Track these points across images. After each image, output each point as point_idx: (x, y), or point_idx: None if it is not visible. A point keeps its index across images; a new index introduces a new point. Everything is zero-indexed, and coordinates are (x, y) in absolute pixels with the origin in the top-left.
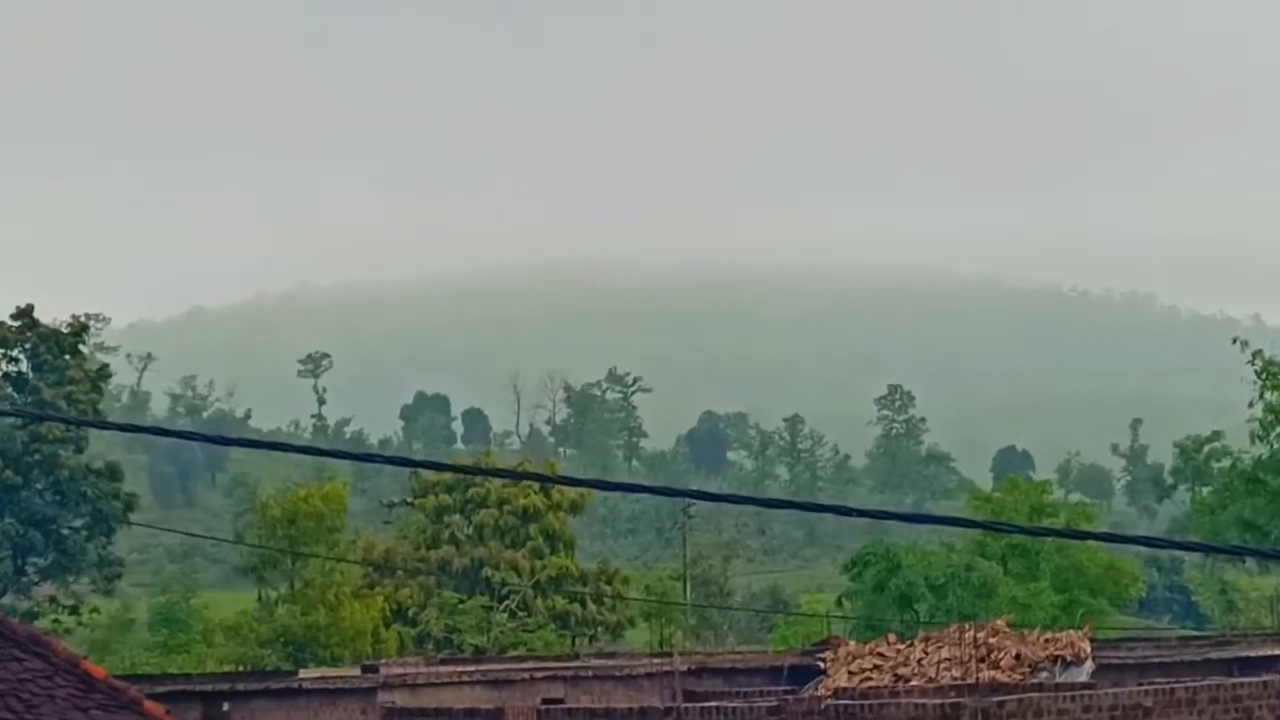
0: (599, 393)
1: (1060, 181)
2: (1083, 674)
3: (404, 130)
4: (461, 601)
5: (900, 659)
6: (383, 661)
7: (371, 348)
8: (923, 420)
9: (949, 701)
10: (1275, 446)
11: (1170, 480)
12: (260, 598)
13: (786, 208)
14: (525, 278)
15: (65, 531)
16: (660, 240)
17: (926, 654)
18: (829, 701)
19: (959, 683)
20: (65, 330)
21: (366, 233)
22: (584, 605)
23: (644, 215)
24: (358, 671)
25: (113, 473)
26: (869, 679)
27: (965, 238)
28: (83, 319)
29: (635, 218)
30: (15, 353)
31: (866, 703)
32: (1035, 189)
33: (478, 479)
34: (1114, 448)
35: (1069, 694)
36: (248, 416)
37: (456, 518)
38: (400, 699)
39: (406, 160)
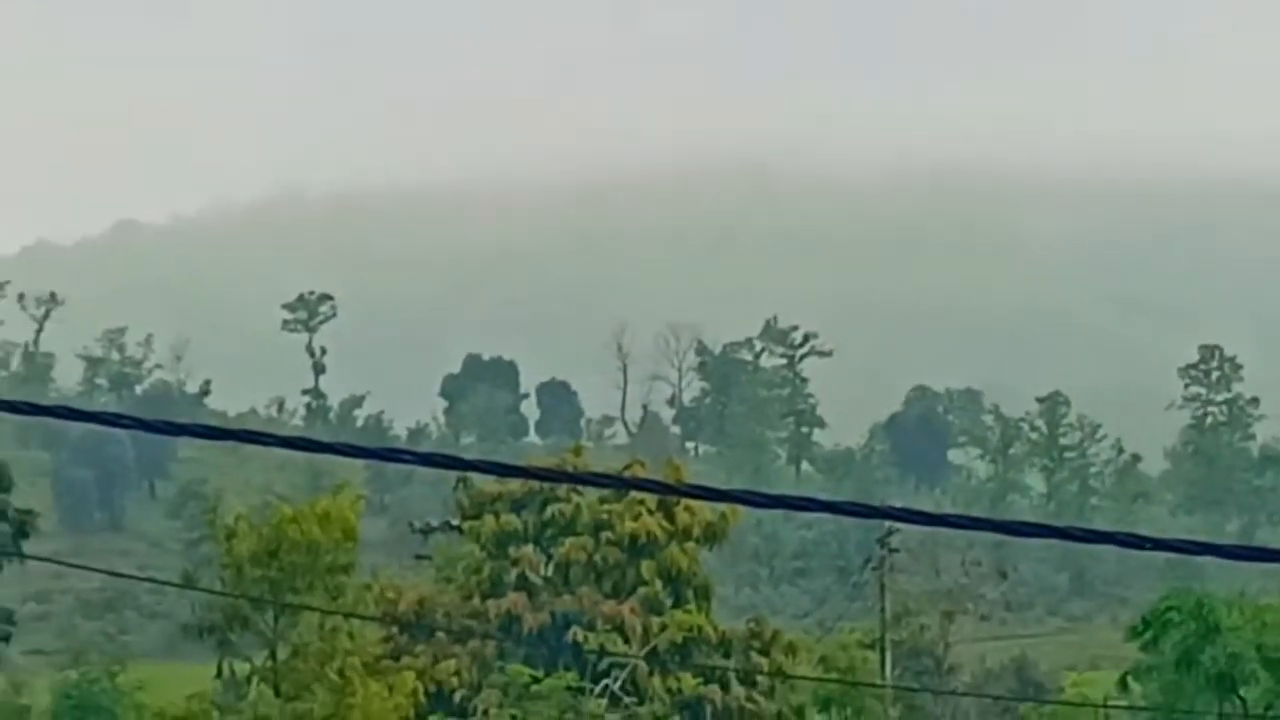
0: (750, 357)
1: None
2: None
3: None
4: (536, 680)
5: None
6: None
7: (396, 286)
8: (1254, 401)
9: None
10: None
11: None
12: (222, 672)
13: (1048, 88)
14: (639, 183)
15: None
16: (853, 129)
17: None
18: None
19: None
20: None
21: (394, 109)
22: (726, 687)
23: (830, 93)
24: None
25: None
26: None
27: None
28: None
29: (817, 96)
30: None
31: None
32: None
33: (561, 490)
34: None
35: None
36: (205, 392)
37: (529, 550)
38: None
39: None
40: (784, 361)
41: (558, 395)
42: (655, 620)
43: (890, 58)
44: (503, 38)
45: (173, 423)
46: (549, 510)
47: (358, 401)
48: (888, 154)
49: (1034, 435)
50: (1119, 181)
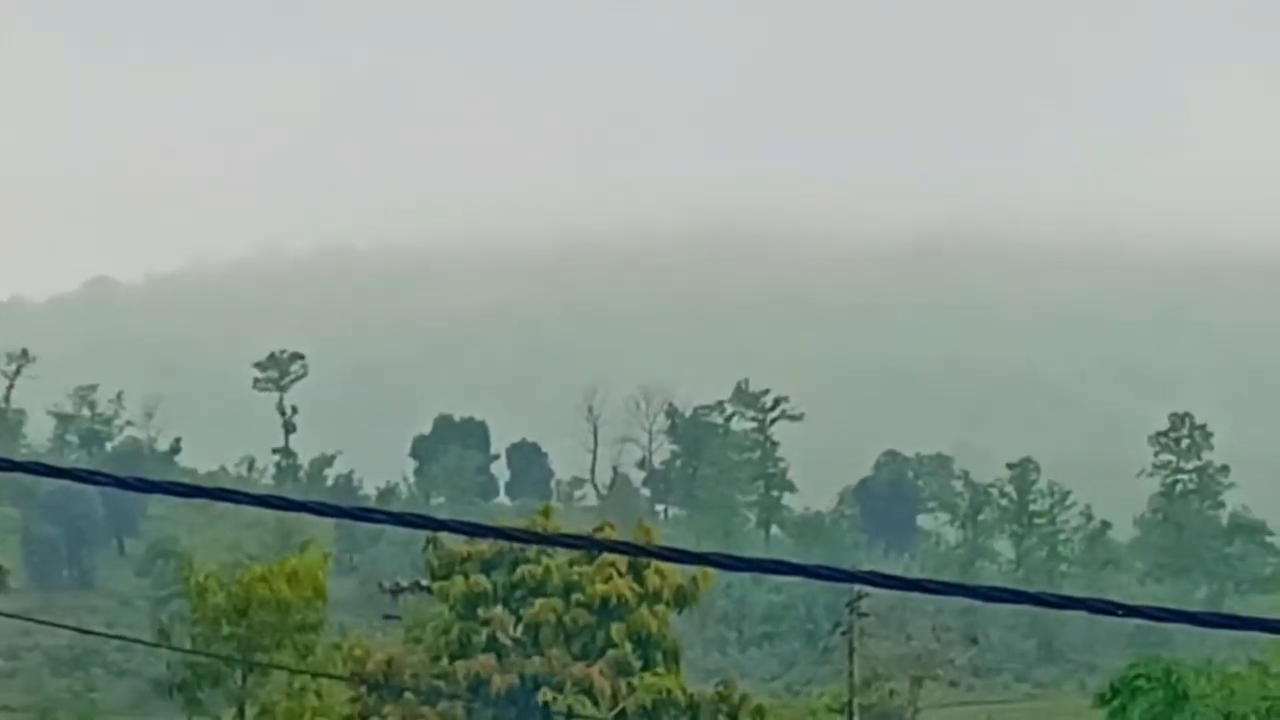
0: (721, 420)
1: None
2: None
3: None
4: None
5: None
6: None
7: (369, 346)
8: (1224, 470)
9: None
10: None
11: None
12: None
13: (1020, 155)
14: (618, 248)
15: None
16: (830, 196)
17: None
18: None
19: None
20: None
21: (376, 169)
22: None
23: (807, 161)
24: None
25: None
26: None
27: None
28: None
29: (795, 164)
30: None
31: None
32: None
33: (531, 551)
34: None
35: None
36: (175, 450)
37: (498, 611)
38: None
39: (470, 49)
40: (754, 425)
41: (528, 456)
42: (624, 683)
43: (865, 126)
44: (487, 100)
45: (145, 480)
46: (519, 571)
47: (328, 461)
48: (864, 221)
49: (1004, 501)
50: (1093, 249)
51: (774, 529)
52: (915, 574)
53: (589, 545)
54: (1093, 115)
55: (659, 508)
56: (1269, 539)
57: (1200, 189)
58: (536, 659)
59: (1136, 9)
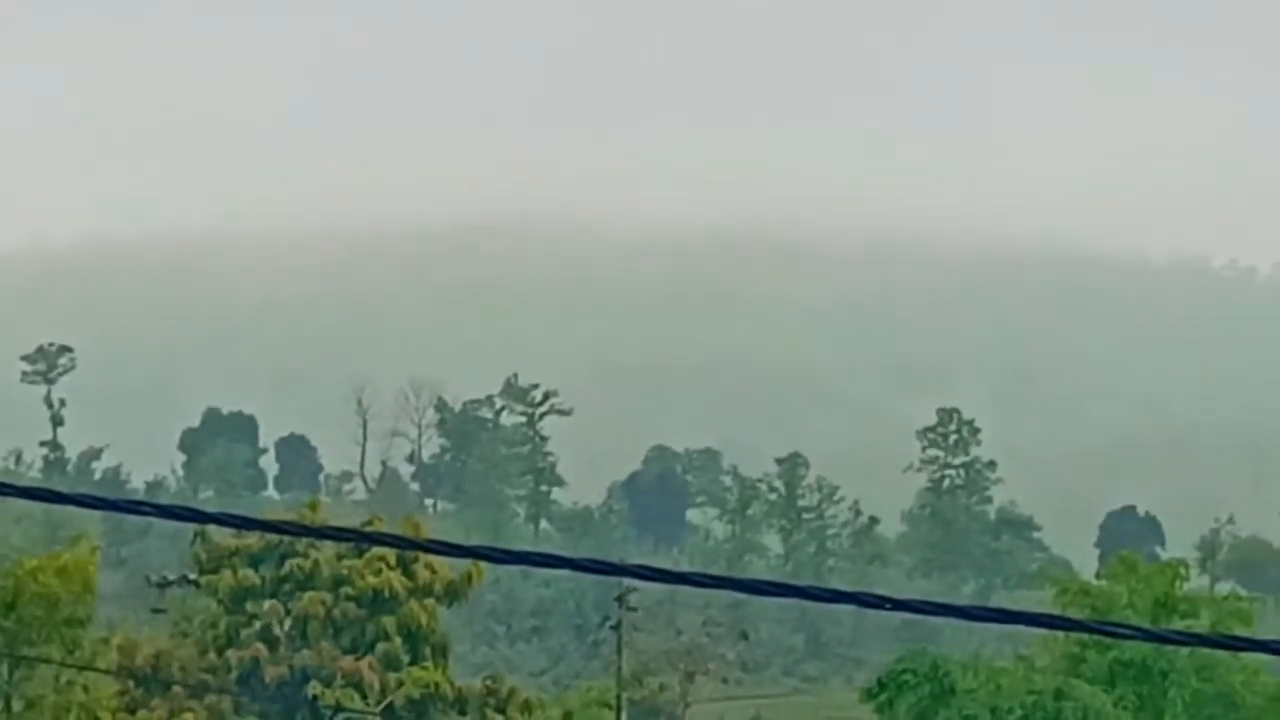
0: (491, 414)
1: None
2: None
3: None
4: None
5: None
6: None
7: (138, 339)
8: (991, 465)
9: None
10: None
11: None
12: None
13: (799, 148)
14: (396, 239)
15: None
16: (610, 188)
17: None
18: None
19: None
20: None
21: (146, 156)
22: None
23: (588, 152)
24: None
25: None
26: None
27: (1094, 191)
28: None
29: (573, 154)
30: None
31: None
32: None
33: (300, 545)
34: None
35: None
36: None
37: (268, 604)
38: None
39: (247, 38)
40: (524, 419)
41: (296, 450)
42: (393, 677)
43: (648, 119)
44: (261, 90)
45: None
46: (287, 565)
47: (96, 454)
48: (640, 216)
49: (772, 496)
50: (865, 243)
51: (543, 523)
52: (684, 568)
53: (358, 539)
54: (874, 111)
55: (428, 502)
56: (1035, 534)
57: (973, 185)
58: (305, 652)
59: (935, 10)
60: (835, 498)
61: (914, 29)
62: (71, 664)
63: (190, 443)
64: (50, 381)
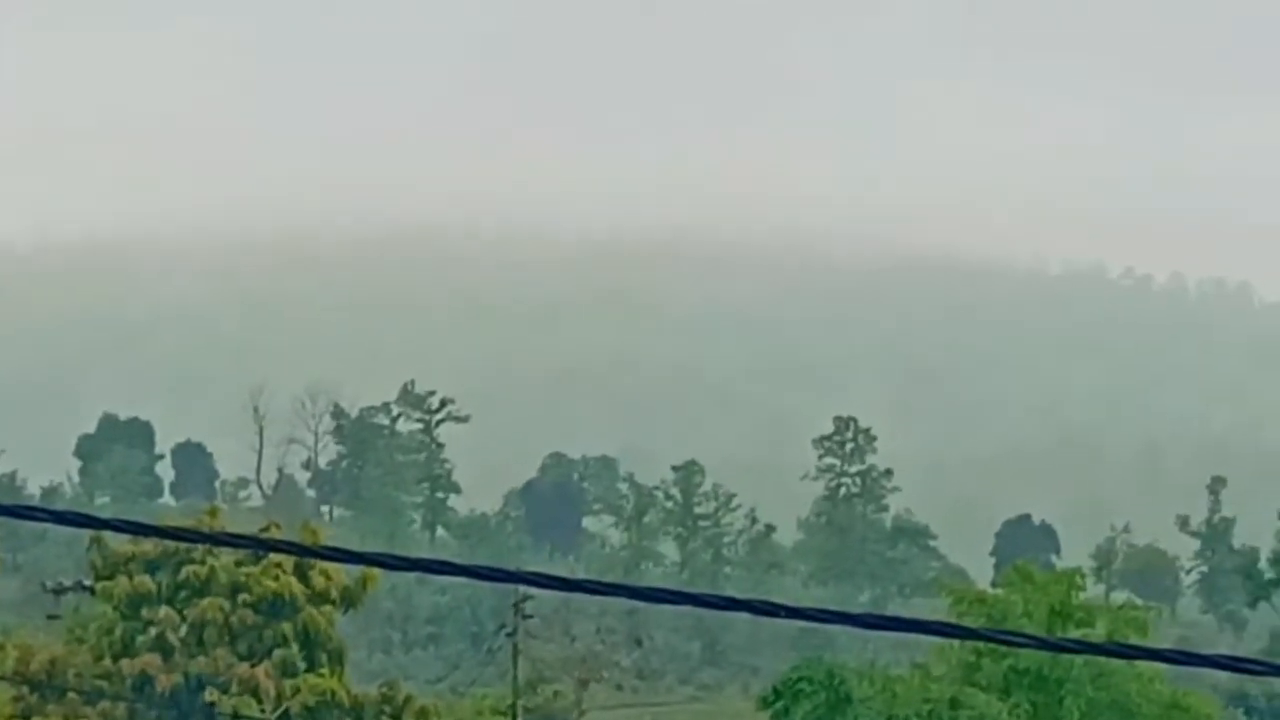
0: (387, 421)
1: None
2: None
3: None
4: None
5: None
6: None
7: (32, 344)
8: (888, 474)
9: None
10: None
11: (1270, 574)
12: None
13: (705, 154)
14: (286, 247)
15: None
16: (513, 198)
17: None
18: None
19: None
20: None
21: (54, 160)
22: None
23: (492, 169)
24: None
25: None
26: None
27: (981, 196)
28: None
29: (478, 172)
30: None
31: None
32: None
33: (197, 552)
34: (1182, 522)
35: None
36: None
37: (163, 611)
38: None
39: (156, 38)
40: (420, 426)
41: (192, 457)
42: (289, 683)
43: (547, 127)
44: (158, 92)
45: None
46: (184, 571)
47: None
48: (539, 221)
49: (669, 503)
50: (763, 249)
51: (439, 530)
52: (580, 575)
53: (255, 545)
54: (771, 120)
55: (324, 508)
56: (931, 543)
57: (870, 193)
58: (202, 658)
59: (833, 23)
60: (732, 505)
61: (813, 42)
62: None
63: (86, 449)
64: None
